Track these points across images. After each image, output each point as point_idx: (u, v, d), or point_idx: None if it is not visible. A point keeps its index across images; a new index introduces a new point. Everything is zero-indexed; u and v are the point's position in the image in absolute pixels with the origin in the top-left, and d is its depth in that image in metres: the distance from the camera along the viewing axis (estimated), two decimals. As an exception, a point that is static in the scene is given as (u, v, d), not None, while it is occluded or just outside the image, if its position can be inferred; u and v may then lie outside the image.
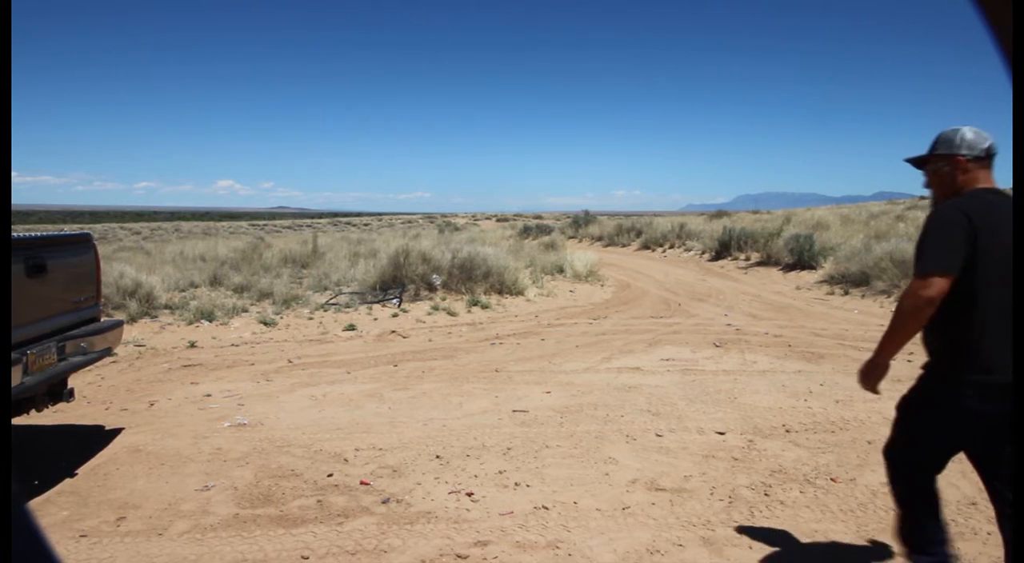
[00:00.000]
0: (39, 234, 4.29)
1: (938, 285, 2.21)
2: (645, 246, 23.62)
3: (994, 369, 2.20)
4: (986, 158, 2.37)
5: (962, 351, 2.27)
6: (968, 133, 2.38)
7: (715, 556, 2.96)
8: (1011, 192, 2.22)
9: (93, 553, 3.04)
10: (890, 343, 2.40)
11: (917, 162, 2.51)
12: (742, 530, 3.19)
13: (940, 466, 2.48)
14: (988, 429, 2.28)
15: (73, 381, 4.50)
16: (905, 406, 2.60)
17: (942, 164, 2.40)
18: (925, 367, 2.48)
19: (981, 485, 3.06)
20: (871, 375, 2.50)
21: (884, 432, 4.52)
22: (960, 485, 3.65)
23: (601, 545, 3.06)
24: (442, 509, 3.47)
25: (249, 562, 2.96)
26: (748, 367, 6.53)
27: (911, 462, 2.51)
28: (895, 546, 2.72)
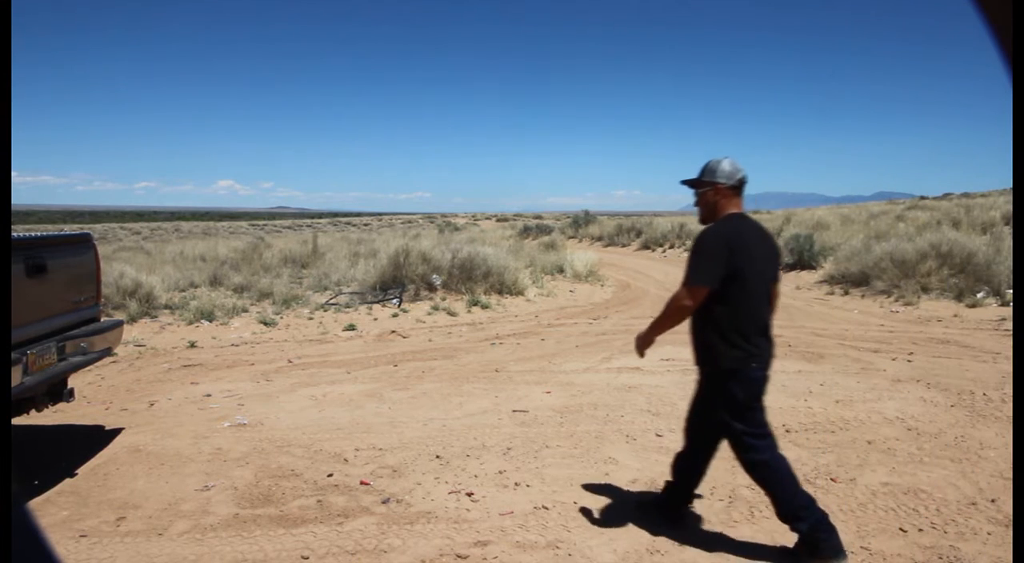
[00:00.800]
0: (39, 234, 4.29)
1: (699, 295, 2.83)
2: (645, 246, 23.63)
3: (752, 353, 2.85)
4: (739, 187, 2.97)
5: (728, 341, 2.85)
6: (726, 165, 2.96)
7: (715, 556, 2.96)
8: (752, 217, 2.99)
9: (93, 553, 3.04)
10: (658, 329, 3.02)
11: (690, 183, 3.06)
12: (742, 530, 3.19)
13: (767, 429, 2.97)
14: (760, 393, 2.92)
15: (73, 381, 4.50)
16: (706, 406, 3.06)
17: (707, 189, 2.97)
18: (699, 362, 3.02)
19: (981, 485, 3.07)
20: (642, 346, 3.14)
21: (884, 432, 4.54)
22: (960, 485, 3.65)
23: (601, 545, 3.06)
24: (442, 509, 3.47)
25: (249, 562, 2.96)
26: (748, 367, 6.52)
27: (760, 434, 2.93)
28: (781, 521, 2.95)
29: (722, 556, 2.97)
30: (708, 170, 2.98)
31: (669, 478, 3.30)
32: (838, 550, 2.84)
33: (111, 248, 20.35)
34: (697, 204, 3.05)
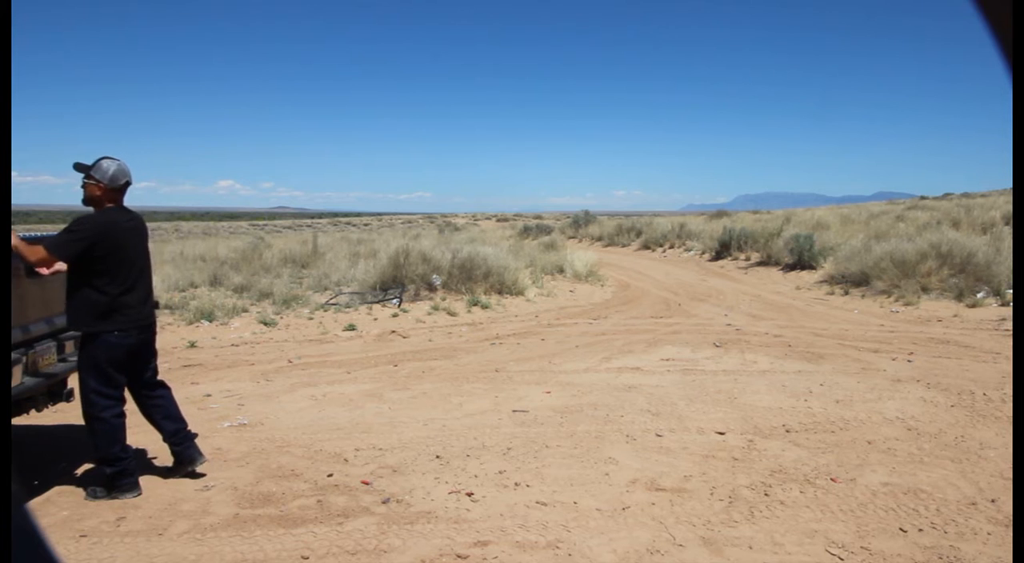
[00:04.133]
0: (39, 234, 4.29)
1: (46, 262, 3.42)
2: (645, 246, 23.63)
3: (129, 319, 3.59)
4: (121, 189, 3.65)
5: (105, 309, 3.52)
6: (113, 167, 3.59)
7: (715, 556, 2.96)
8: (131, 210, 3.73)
9: (93, 553, 3.04)
10: (17, 255, 3.46)
11: (80, 168, 3.60)
12: (742, 530, 3.19)
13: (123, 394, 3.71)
14: (132, 352, 3.65)
15: (73, 381, 4.49)
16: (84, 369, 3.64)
17: (92, 183, 3.58)
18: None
19: (981, 485, 3.05)
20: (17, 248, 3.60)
21: (884, 432, 4.54)
22: (960, 485, 3.65)
23: (601, 545, 3.06)
24: (442, 509, 3.47)
25: (249, 562, 2.96)
26: (748, 367, 6.53)
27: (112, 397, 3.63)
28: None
29: (722, 556, 2.97)
30: (96, 168, 3.59)
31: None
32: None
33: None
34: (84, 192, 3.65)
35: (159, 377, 3.96)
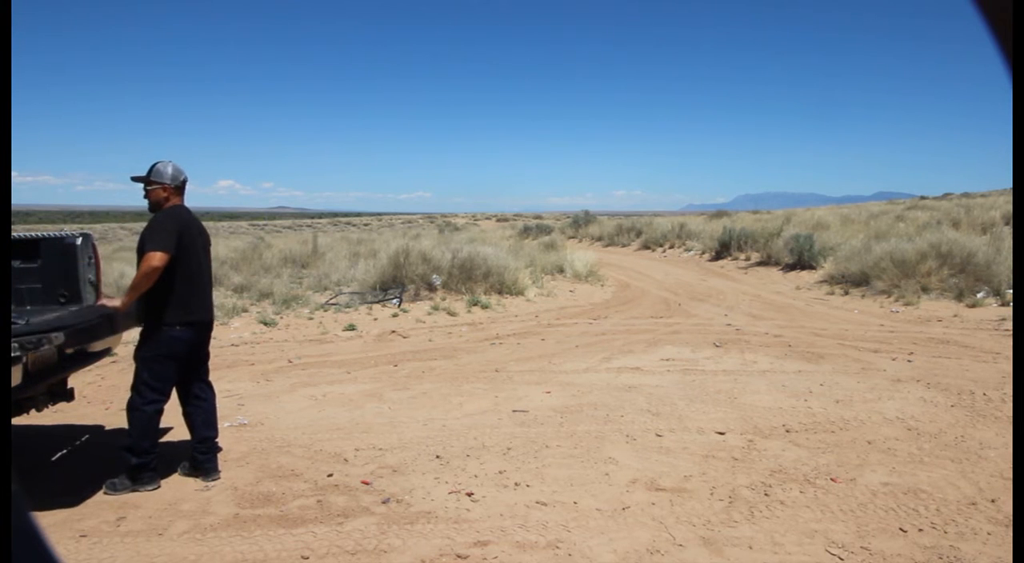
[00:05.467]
0: (39, 234, 4.29)
1: (162, 259, 3.53)
2: (645, 246, 23.63)
3: (193, 313, 3.73)
4: (181, 186, 3.81)
5: (174, 303, 3.66)
6: (170, 168, 3.76)
7: (715, 556, 2.96)
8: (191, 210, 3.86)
9: (93, 553, 3.04)
10: (133, 294, 3.64)
11: (138, 179, 3.78)
12: (742, 530, 3.19)
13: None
14: (192, 348, 3.79)
15: (73, 381, 4.49)
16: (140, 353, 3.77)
17: (156, 187, 3.75)
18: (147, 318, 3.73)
19: (981, 485, 3.05)
20: (122, 310, 3.80)
21: (884, 432, 4.54)
22: (960, 485, 3.65)
23: (601, 545, 3.06)
24: (442, 509, 3.47)
25: (249, 562, 2.96)
26: (748, 367, 6.53)
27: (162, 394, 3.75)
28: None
29: (722, 556, 2.97)
30: (154, 171, 3.75)
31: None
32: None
33: (111, 248, 20.36)
34: (146, 197, 3.80)
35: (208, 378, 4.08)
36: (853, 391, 5.54)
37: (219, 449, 4.02)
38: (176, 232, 3.61)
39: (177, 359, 3.73)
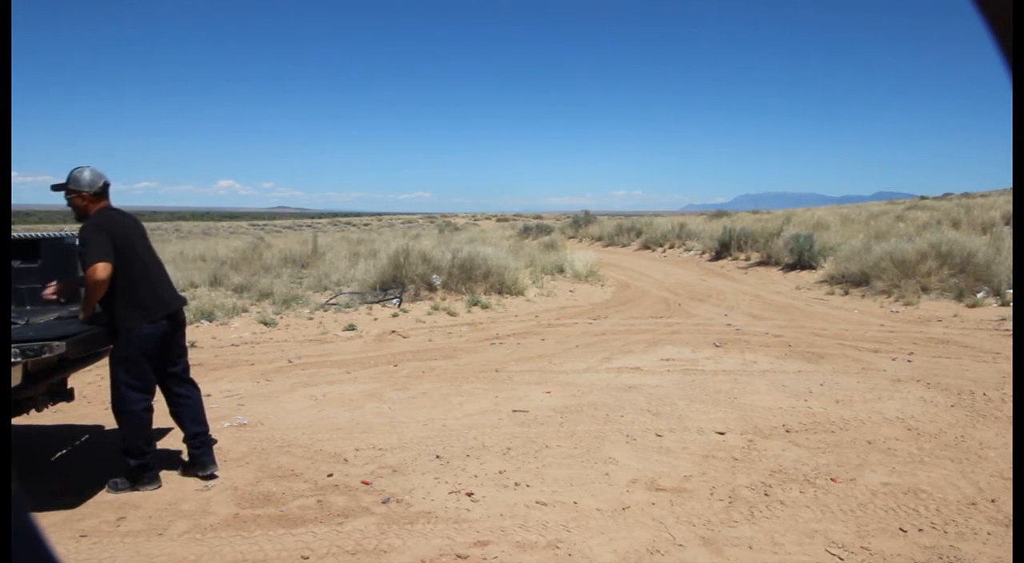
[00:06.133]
0: (39, 234, 4.30)
1: (105, 269, 3.49)
2: (645, 246, 23.63)
3: (153, 312, 3.68)
4: (102, 191, 3.72)
5: (132, 305, 3.63)
6: (86, 173, 3.68)
7: (715, 556, 2.96)
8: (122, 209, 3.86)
9: (93, 553, 3.04)
10: (87, 308, 3.64)
11: (58, 188, 3.71)
12: (742, 530, 3.19)
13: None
14: (163, 340, 3.74)
15: (73, 381, 4.50)
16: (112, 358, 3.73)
17: (74, 195, 3.68)
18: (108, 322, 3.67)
19: (981, 485, 3.05)
20: (84, 319, 3.69)
21: (884, 432, 4.54)
22: (960, 485, 3.65)
23: (601, 545, 3.06)
24: (442, 509, 3.47)
25: (249, 562, 2.96)
26: (748, 367, 6.53)
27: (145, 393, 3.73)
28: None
29: (722, 556, 2.97)
30: (71, 179, 3.68)
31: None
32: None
33: (111, 248, 20.31)
34: (69, 205, 3.75)
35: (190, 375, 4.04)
36: (853, 391, 5.54)
37: (213, 441, 4.02)
38: (108, 239, 3.55)
39: (150, 355, 3.71)
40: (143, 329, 3.63)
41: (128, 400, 3.65)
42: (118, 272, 3.57)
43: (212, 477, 3.88)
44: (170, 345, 3.84)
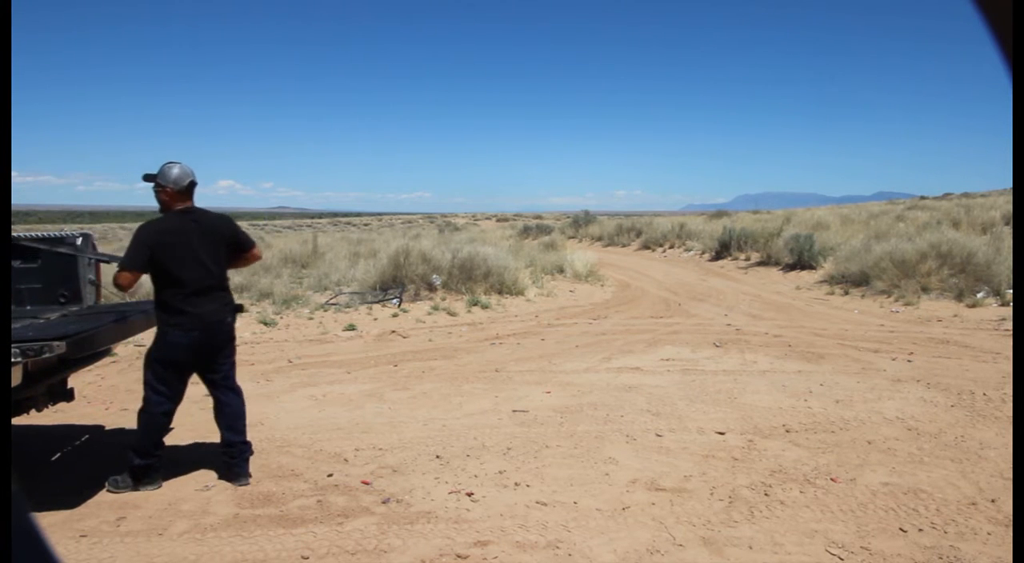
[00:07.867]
0: (39, 234, 4.30)
1: (125, 278, 3.56)
2: (645, 246, 23.63)
3: (187, 320, 3.65)
4: (186, 190, 3.73)
5: (170, 309, 3.65)
6: (175, 170, 3.69)
7: (715, 556, 2.96)
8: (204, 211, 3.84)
9: (93, 553, 3.04)
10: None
11: (149, 178, 3.74)
12: (742, 530, 3.19)
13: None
14: (195, 353, 3.71)
15: (73, 381, 4.49)
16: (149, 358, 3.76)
17: (159, 189, 3.71)
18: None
19: (981, 485, 3.04)
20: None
21: (884, 432, 4.54)
22: (960, 485, 3.65)
23: (601, 545, 3.06)
24: (442, 509, 3.47)
25: (249, 562, 2.96)
26: (748, 367, 6.53)
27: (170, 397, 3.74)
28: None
29: (722, 556, 2.97)
30: (160, 173, 3.71)
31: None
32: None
33: (111, 248, 20.32)
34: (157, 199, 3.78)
35: (235, 383, 3.98)
36: (853, 391, 5.54)
37: (249, 453, 3.94)
38: (146, 250, 3.57)
39: (177, 364, 3.69)
40: (172, 336, 3.64)
41: (150, 402, 3.69)
42: (155, 280, 3.64)
43: (245, 485, 3.81)
44: (209, 354, 3.78)
